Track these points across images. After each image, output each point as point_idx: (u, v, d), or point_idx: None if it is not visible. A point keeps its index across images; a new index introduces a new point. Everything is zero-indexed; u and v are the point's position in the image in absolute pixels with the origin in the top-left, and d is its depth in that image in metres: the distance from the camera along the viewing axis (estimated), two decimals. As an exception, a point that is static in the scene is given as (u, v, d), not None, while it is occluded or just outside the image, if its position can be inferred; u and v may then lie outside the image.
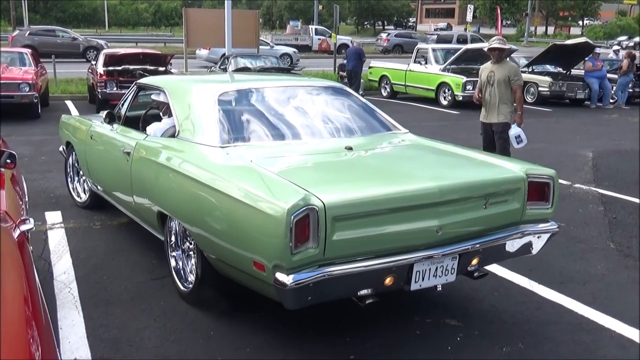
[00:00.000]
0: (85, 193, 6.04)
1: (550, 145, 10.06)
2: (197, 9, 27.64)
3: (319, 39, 38.75)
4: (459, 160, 4.06)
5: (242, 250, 3.15)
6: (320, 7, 49.88)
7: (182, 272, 4.05)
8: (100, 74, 12.79)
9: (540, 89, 16.10)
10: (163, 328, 3.68)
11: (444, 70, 15.46)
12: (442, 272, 3.29)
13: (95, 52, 23.81)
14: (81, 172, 5.95)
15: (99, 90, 12.58)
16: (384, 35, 44.39)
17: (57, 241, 5.10)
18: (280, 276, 2.84)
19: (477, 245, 3.39)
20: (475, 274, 3.58)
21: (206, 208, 3.45)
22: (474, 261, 3.48)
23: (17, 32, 29.97)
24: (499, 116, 6.86)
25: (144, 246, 5.00)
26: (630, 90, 16.74)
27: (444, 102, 15.46)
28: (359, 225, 3.03)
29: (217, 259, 3.48)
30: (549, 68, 16.97)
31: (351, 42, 24.88)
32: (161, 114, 4.88)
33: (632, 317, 3.90)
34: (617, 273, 4.69)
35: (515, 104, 6.92)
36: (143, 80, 5.26)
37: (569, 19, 76.41)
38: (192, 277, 3.90)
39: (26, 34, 28.14)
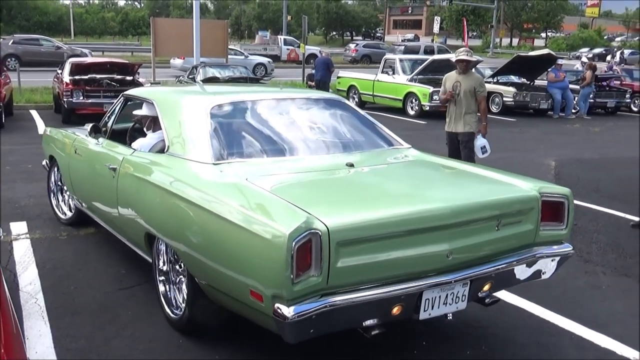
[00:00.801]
0: (70, 210, 5.75)
1: (514, 154, 10.27)
2: (165, 19, 27.55)
3: (288, 49, 38.84)
4: (467, 178, 3.82)
5: (238, 277, 2.88)
6: (289, 17, 50.01)
7: (170, 297, 3.77)
8: (66, 82, 12.61)
9: (504, 99, 16.45)
10: (131, 337, 3.66)
11: (411, 80, 15.66)
12: (452, 299, 3.03)
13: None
14: (65, 188, 5.70)
15: (65, 99, 12.41)
16: (352, 45, 44.77)
17: (23, 252, 5.04)
18: (280, 308, 2.59)
19: (490, 270, 3.15)
20: (487, 300, 3.34)
21: (198, 231, 3.21)
22: (486, 287, 3.24)
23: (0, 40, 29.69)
24: (465, 126, 7.00)
25: (112, 256, 4.97)
26: (592, 100, 17.21)
27: (411, 112, 15.65)
28: (365, 251, 2.77)
29: (209, 285, 3.22)
30: (513, 79, 17.37)
31: (320, 52, 25.00)
32: (145, 128, 4.61)
33: (591, 320, 4.02)
34: (577, 278, 4.83)
35: (479, 114, 7.09)
36: (130, 92, 4.96)
37: (533, 31, 78.12)
38: (181, 303, 3.65)
39: (9, 43, 27.58)
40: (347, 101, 4.72)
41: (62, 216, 5.86)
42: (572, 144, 12.21)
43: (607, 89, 17.98)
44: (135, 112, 4.66)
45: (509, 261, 3.25)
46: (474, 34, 68.44)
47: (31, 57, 25.32)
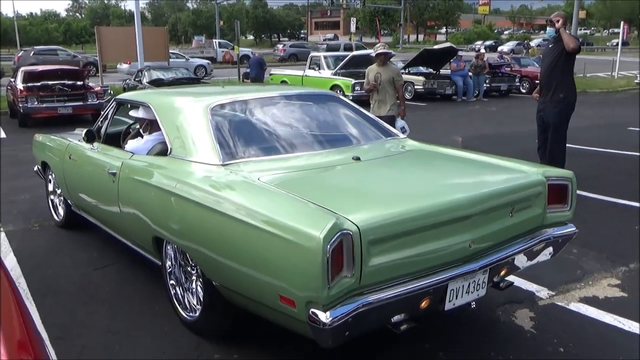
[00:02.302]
0: (62, 212, 5.27)
1: (428, 133, 10.53)
2: (109, 27, 26.61)
3: (223, 51, 38.22)
4: (475, 166, 3.44)
5: (264, 282, 2.50)
6: (222, 22, 49.21)
7: (181, 299, 3.38)
8: (20, 90, 12.12)
9: (415, 87, 16.88)
10: (111, 310, 3.66)
11: (335, 74, 15.81)
12: (474, 287, 2.75)
13: (94, 68, 23.42)
14: (59, 192, 5.27)
15: (21, 105, 11.96)
16: (280, 46, 44.50)
17: (-1, 243, 4.90)
18: (317, 313, 2.25)
19: (509, 256, 2.90)
20: (501, 285, 3.04)
21: (215, 235, 2.78)
22: (502, 272, 2.99)
23: (21, 52, 29.84)
24: (387, 110, 7.22)
25: (82, 242, 4.91)
26: (487, 85, 17.91)
27: (337, 102, 15.75)
28: (394, 247, 2.46)
29: (227, 288, 2.84)
30: (422, 69, 17.79)
31: (252, 53, 24.86)
32: (141, 130, 4.18)
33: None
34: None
35: (398, 100, 7.34)
36: (123, 96, 4.43)
37: (435, 27, 79.97)
38: (194, 304, 3.26)
39: (31, 54, 27.98)
40: (339, 95, 4.31)
41: (57, 218, 5.40)
42: (474, 123, 12.69)
43: (500, 75, 18.72)
44: (134, 113, 4.20)
45: (524, 246, 3.00)
46: (386, 32, 69.28)
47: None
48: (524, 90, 19.00)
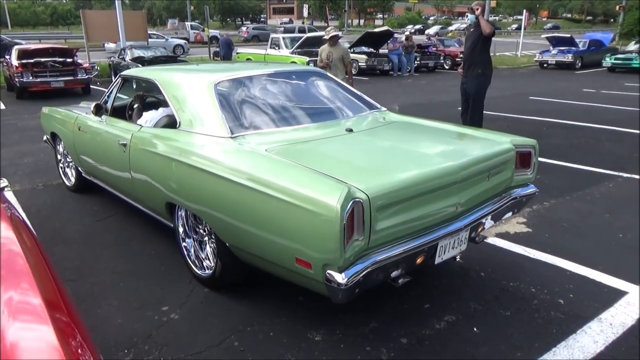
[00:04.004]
0: (72, 177, 4.92)
1: (370, 103, 10.61)
2: (93, 11, 24.88)
3: (195, 33, 36.73)
4: (453, 136, 3.32)
5: (280, 245, 2.33)
6: (192, 7, 47.03)
7: (196, 259, 3.17)
8: (15, 66, 11.39)
9: (359, 64, 16.76)
10: (116, 253, 3.59)
11: (292, 53, 15.53)
12: (457, 243, 2.67)
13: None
14: (68, 159, 4.91)
15: (17, 79, 11.24)
16: (244, 28, 42.96)
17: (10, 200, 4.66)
18: (333, 274, 2.14)
19: (486, 214, 2.80)
20: (477, 239, 2.93)
21: (231, 203, 2.55)
22: (479, 229, 2.87)
23: None
24: (337, 84, 7.15)
25: (84, 198, 4.73)
26: (418, 62, 17.99)
27: (294, 77, 15.52)
28: (397, 212, 2.35)
29: (243, 250, 2.65)
30: (364, 49, 17.62)
31: (220, 34, 23.95)
32: (138, 104, 3.87)
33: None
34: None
35: (347, 75, 7.28)
36: (128, 72, 4.02)
37: (374, 13, 78.99)
38: (209, 263, 3.06)
39: None
40: (327, 73, 4.02)
41: (68, 183, 5.02)
42: (408, 93, 12.76)
43: (428, 53, 18.80)
44: (139, 89, 3.93)
45: (499, 205, 2.91)
46: (333, 17, 68.08)
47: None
48: (447, 67, 19.19)
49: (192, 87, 3.24)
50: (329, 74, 3.98)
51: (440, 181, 2.50)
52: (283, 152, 2.64)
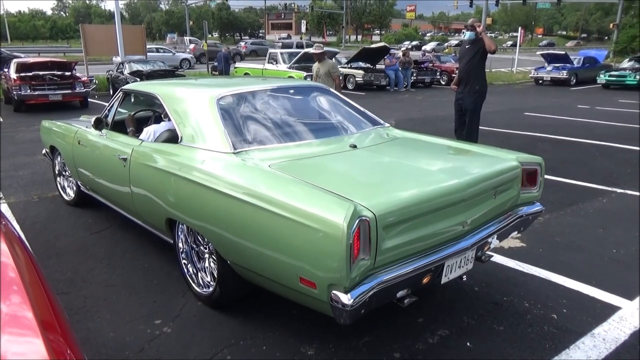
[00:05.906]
0: (72, 192, 4.84)
1: (367, 118, 10.67)
2: (92, 25, 25.20)
3: (192, 46, 37.04)
4: (459, 153, 3.24)
5: (283, 264, 2.24)
6: (192, 22, 47.54)
7: (194, 276, 3.10)
8: (14, 79, 11.44)
9: (356, 79, 16.88)
10: (109, 266, 3.57)
11: (290, 67, 15.60)
12: (464, 262, 2.57)
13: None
14: (67, 173, 4.83)
15: (15, 92, 11.29)
16: (242, 43, 43.46)
17: (3, 213, 4.64)
18: (338, 295, 2.05)
19: (492, 233, 2.71)
20: (483, 258, 2.81)
21: (233, 220, 2.47)
22: (486, 247, 2.77)
23: None
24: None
25: (78, 210, 4.73)
26: (414, 78, 18.15)
27: (292, 91, 15.60)
28: (404, 230, 2.26)
29: (244, 268, 2.56)
30: (361, 64, 17.78)
31: (218, 45, 24.21)
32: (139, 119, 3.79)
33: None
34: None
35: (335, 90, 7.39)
36: (129, 86, 3.95)
37: (371, 29, 79.86)
38: (208, 280, 2.97)
39: None
40: (330, 89, 3.92)
41: (67, 198, 4.92)
42: (404, 108, 12.84)
43: (425, 69, 18.98)
44: (140, 103, 3.85)
45: (506, 223, 2.82)
46: (330, 32, 68.82)
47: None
48: (443, 82, 19.35)
49: (194, 101, 3.17)
50: (331, 90, 3.92)
51: (448, 199, 2.41)
52: (287, 168, 2.55)
